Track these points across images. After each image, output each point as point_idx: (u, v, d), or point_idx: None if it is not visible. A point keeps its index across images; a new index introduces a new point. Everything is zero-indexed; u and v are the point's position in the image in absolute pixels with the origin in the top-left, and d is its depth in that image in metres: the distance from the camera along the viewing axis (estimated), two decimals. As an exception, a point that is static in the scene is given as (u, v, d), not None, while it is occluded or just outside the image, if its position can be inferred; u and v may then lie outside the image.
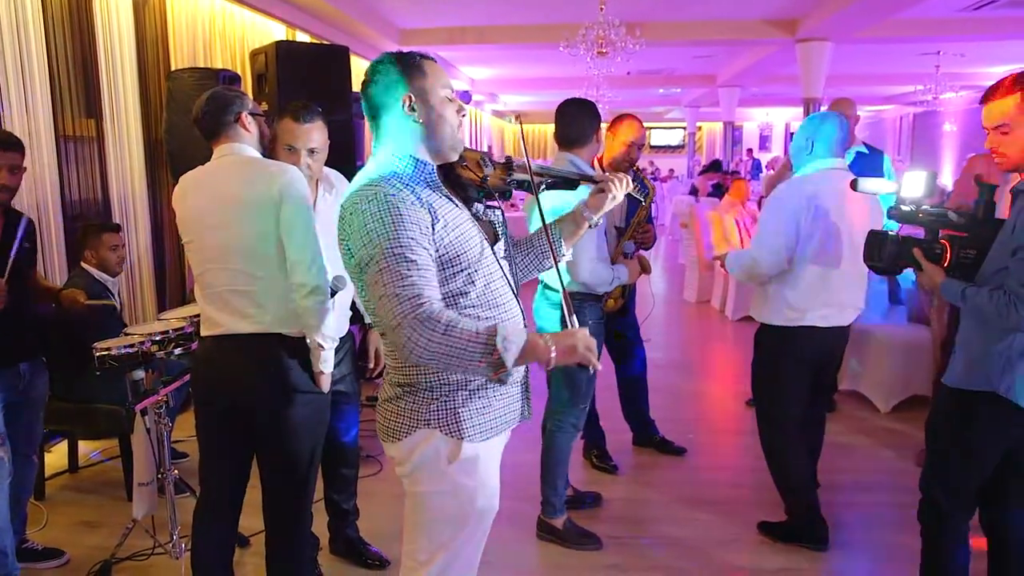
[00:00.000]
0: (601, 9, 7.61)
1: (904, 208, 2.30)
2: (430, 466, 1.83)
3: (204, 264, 2.38)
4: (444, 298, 1.74)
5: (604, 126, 3.27)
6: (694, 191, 12.53)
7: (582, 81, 14.00)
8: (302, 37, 8.38)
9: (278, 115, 2.69)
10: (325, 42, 8.43)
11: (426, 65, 1.80)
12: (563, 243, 2.09)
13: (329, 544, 3.19)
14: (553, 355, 1.65)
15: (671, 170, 23.36)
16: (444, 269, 1.74)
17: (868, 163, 4.47)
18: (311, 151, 2.66)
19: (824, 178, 3.01)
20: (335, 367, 2.84)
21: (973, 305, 2.16)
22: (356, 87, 7.50)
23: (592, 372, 1.72)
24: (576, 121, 3.15)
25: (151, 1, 5.67)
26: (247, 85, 6.68)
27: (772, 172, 11.78)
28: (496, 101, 20.80)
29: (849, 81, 15.57)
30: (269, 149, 2.64)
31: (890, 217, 2.36)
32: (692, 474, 4.04)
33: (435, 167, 1.84)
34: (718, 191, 11.00)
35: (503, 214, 2.03)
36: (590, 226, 2.08)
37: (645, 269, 3.43)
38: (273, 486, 2.44)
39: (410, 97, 1.77)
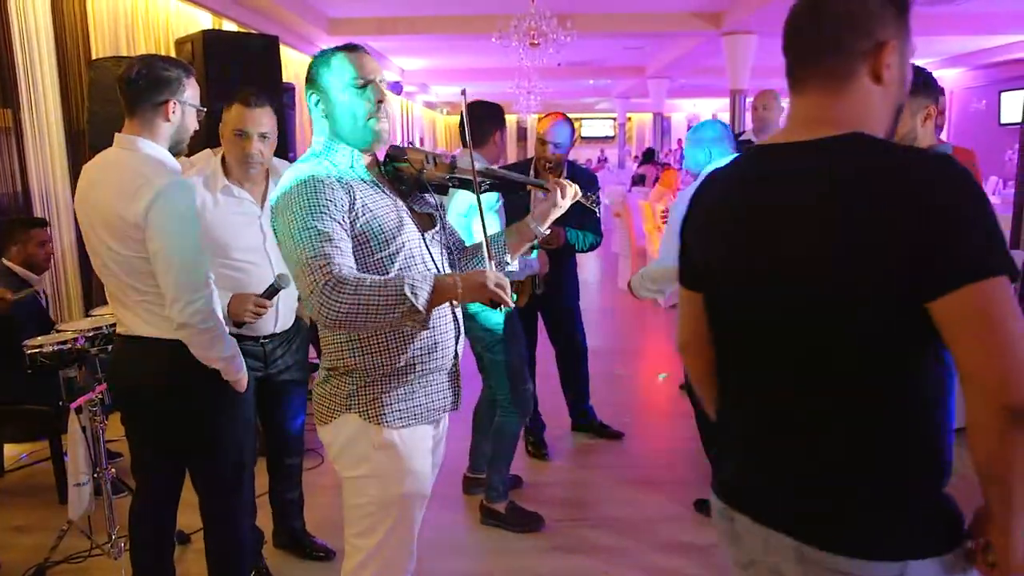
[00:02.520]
0: (532, 0, 7.65)
1: None
2: (354, 451, 1.89)
3: (95, 264, 2.28)
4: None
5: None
6: (641, 180, 12.62)
7: (513, 72, 14.06)
8: (229, 26, 8.20)
9: (227, 104, 2.63)
10: (253, 31, 8.26)
11: (335, 59, 1.86)
12: (507, 253, 2.10)
13: (273, 537, 3.17)
14: (459, 291, 1.71)
15: (603, 158, 23.65)
16: (361, 248, 1.81)
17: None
18: (262, 135, 2.62)
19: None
20: (285, 355, 2.83)
21: None
22: (287, 78, 7.44)
23: (503, 312, 1.78)
24: (479, 123, 3.25)
25: (69, -13, 5.47)
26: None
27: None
28: (427, 92, 20.68)
29: (776, 73, 15.89)
30: (223, 139, 2.62)
31: None
32: (630, 457, 4.15)
33: (359, 156, 1.90)
34: (641, 180, 11.20)
35: (440, 208, 2.08)
36: (536, 237, 2.09)
37: (525, 283, 3.55)
38: (203, 488, 2.42)
39: (315, 92, 1.87)
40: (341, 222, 1.76)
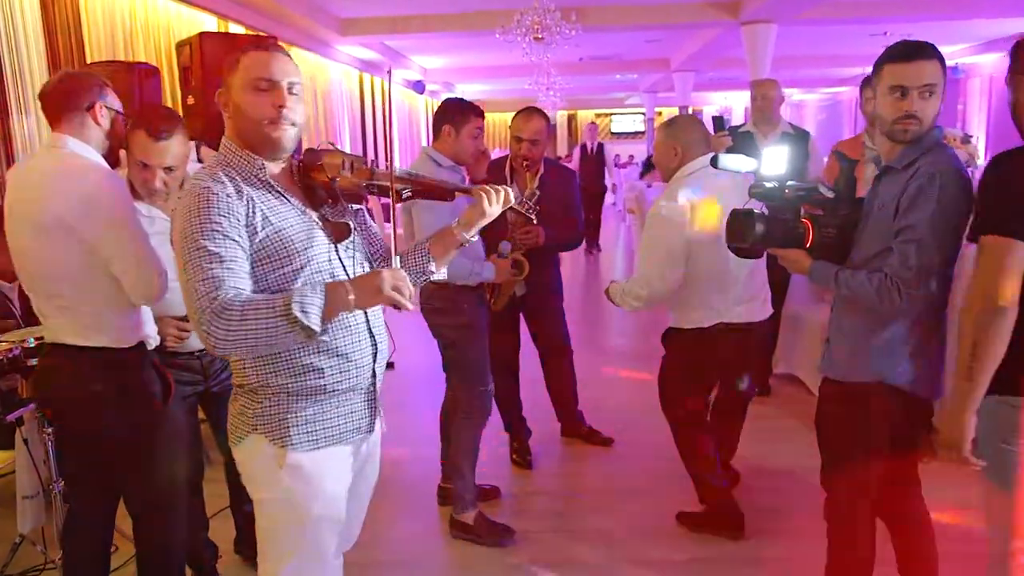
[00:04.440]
0: (537, -6, 7.50)
1: (767, 185, 2.20)
2: (261, 473, 1.78)
3: (17, 268, 2.21)
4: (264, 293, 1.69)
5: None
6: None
7: (533, 68, 13.88)
8: (236, 29, 8.17)
9: (132, 124, 2.42)
10: (261, 33, 8.22)
11: (245, 58, 1.74)
12: (432, 262, 1.96)
13: (234, 544, 3.09)
14: (351, 298, 1.61)
15: (631, 156, 23.33)
16: (263, 264, 1.69)
17: (792, 145, 4.39)
18: (167, 169, 2.43)
19: (698, 180, 2.91)
20: (228, 366, 2.73)
21: (848, 290, 2.07)
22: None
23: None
24: (437, 115, 3.16)
25: (60, -10, 5.45)
26: (173, 79, 6.49)
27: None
28: (452, 90, 20.59)
29: (799, 63, 15.58)
30: (127, 161, 2.48)
31: (751, 195, 2.26)
32: (618, 464, 3.98)
33: (263, 162, 1.78)
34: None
35: (360, 216, 1.97)
36: (462, 244, 1.96)
37: (519, 270, 3.36)
38: (131, 507, 2.32)
39: (220, 92, 1.75)
40: (237, 238, 1.64)
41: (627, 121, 28.30)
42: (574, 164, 11.02)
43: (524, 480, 3.83)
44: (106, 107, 2.23)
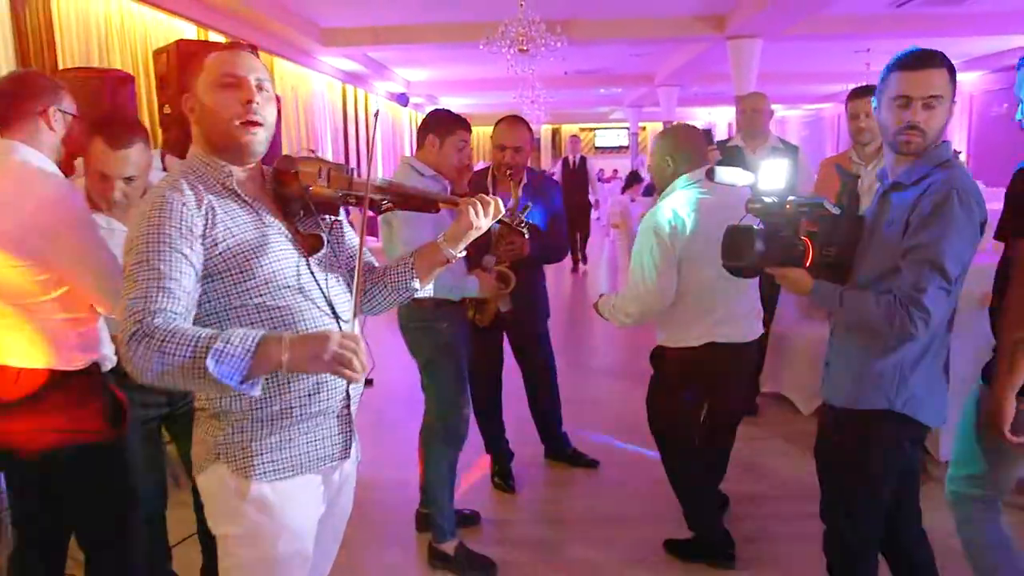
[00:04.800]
0: (520, 6, 7.40)
1: (766, 200, 2.08)
2: (223, 506, 1.64)
3: None
4: (223, 312, 1.58)
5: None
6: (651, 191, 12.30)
7: (518, 82, 13.82)
8: (216, 38, 8.03)
9: (91, 132, 2.28)
10: (241, 42, 8.08)
11: (209, 59, 1.64)
12: (416, 279, 1.83)
13: (201, 573, 2.92)
14: (285, 358, 1.41)
15: (615, 170, 23.35)
16: (223, 277, 1.57)
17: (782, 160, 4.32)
18: (127, 179, 2.29)
19: (691, 192, 2.80)
20: None
21: (855, 312, 1.96)
22: (281, 90, 7.28)
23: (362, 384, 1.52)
24: (422, 126, 3.06)
25: (31, -5, 5.30)
26: (150, 87, 6.35)
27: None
28: (436, 103, 20.53)
29: (783, 79, 15.65)
30: (85, 170, 2.34)
31: (749, 211, 2.14)
32: (605, 489, 3.84)
33: (231, 169, 1.65)
34: (650, 191, 10.93)
35: (337, 228, 1.84)
36: (448, 260, 1.83)
37: (505, 283, 3.24)
38: (81, 541, 2.16)
39: (186, 96, 1.64)
40: (186, 252, 1.51)
41: (611, 136, 28.34)
42: (557, 178, 10.91)
43: (506, 505, 3.69)
44: (60, 111, 2.09)
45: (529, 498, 3.78)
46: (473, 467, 3.90)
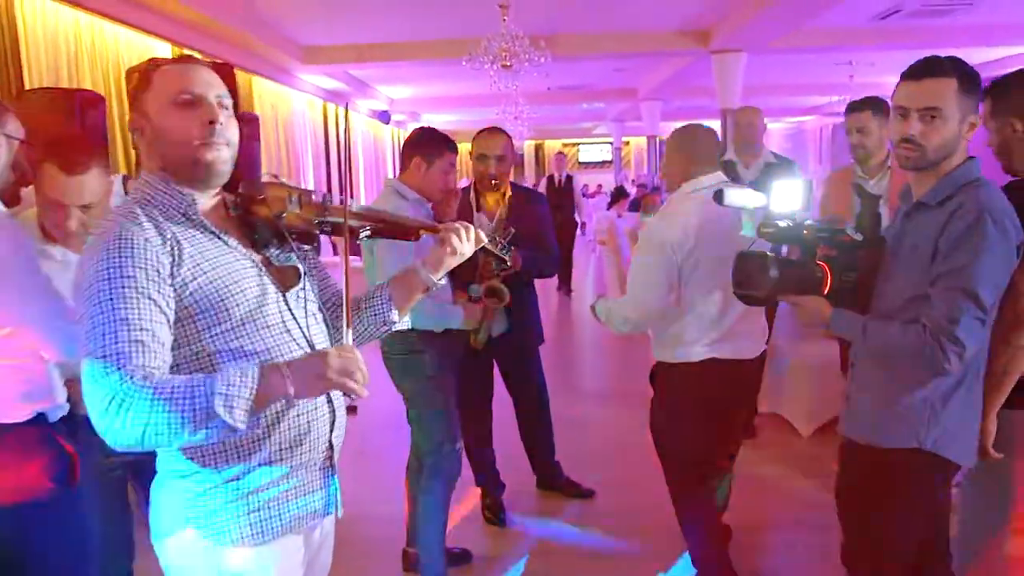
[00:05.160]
0: (503, 20, 7.28)
1: (780, 224, 1.91)
2: None
3: None
4: (193, 359, 1.40)
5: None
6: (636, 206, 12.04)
7: (501, 98, 13.72)
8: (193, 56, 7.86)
9: (42, 157, 2.10)
10: (217, 61, 7.91)
11: (157, 74, 1.45)
12: (393, 309, 1.69)
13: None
14: (291, 390, 1.30)
15: (599, 185, 23.31)
16: (195, 321, 1.39)
17: (778, 175, 4.18)
18: (84, 207, 2.11)
19: (699, 200, 2.64)
20: None
21: (881, 343, 1.80)
22: (261, 109, 7.21)
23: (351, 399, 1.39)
24: (408, 145, 2.92)
25: (-5, 13, 5.11)
26: (123, 108, 6.16)
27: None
28: (419, 120, 20.40)
29: (767, 92, 15.63)
30: (36, 200, 2.15)
31: (762, 235, 1.98)
32: (600, 520, 3.66)
33: (193, 196, 1.47)
34: (635, 206, 10.80)
35: (311, 258, 1.69)
36: (429, 289, 1.69)
37: (498, 298, 3.13)
38: None
39: (133, 118, 1.47)
40: (155, 296, 1.33)
41: (594, 151, 28.33)
42: None
43: (497, 540, 3.51)
44: (4, 135, 1.91)
45: (521, 532, 3.59)
46: (463, 501, 3.72)
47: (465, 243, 1.65)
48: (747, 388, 2.95)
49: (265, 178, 1.60)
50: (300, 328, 1.54)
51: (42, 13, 5.57)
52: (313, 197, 1.60)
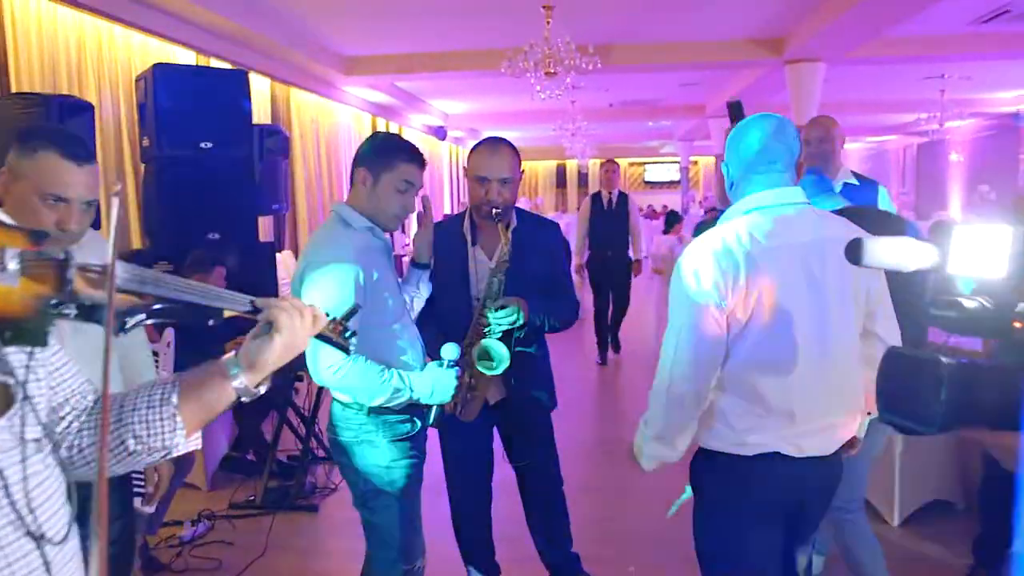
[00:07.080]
0: (547, 23, 6.58)
1: (967, 304, 1.05)
2: None
3: None
4: None
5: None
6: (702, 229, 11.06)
7: (558, 114, 13.07)
8: (222, 66, 7.40)
9: (22, 147, 1.73)
10: (238, 67, 7.44)
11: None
12: (179, 428, 1.03)
13: None
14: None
15: (664, 205, 22.42)
16: None
17: (858, 199, 3.33)
18: (87, 204, 1.80)
19: (758, 225, 1.85)
20: None
21: None
22: (301, 123, 6.71)
23: None
24: (355, 156, 2.28)
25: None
26: (133, 116, 5.71)
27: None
28: (477, 137, 19.92)
29: (846, 109, 14.56)
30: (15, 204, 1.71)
31: (933, 321, 1.11)
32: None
33: None
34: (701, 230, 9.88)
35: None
36: (240, 397, 1.05)
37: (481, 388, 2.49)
38: None
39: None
40: None
41: (661, 170, 27.38)
42: (582, 219, 7.20)
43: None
44: None
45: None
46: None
47: (300, 327, 1.01)
48: (822, 495, 2.13)
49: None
50: (4, 489, 0.89)
51: (35, 18, 5.14)
52: (52, 257, 0.88)
